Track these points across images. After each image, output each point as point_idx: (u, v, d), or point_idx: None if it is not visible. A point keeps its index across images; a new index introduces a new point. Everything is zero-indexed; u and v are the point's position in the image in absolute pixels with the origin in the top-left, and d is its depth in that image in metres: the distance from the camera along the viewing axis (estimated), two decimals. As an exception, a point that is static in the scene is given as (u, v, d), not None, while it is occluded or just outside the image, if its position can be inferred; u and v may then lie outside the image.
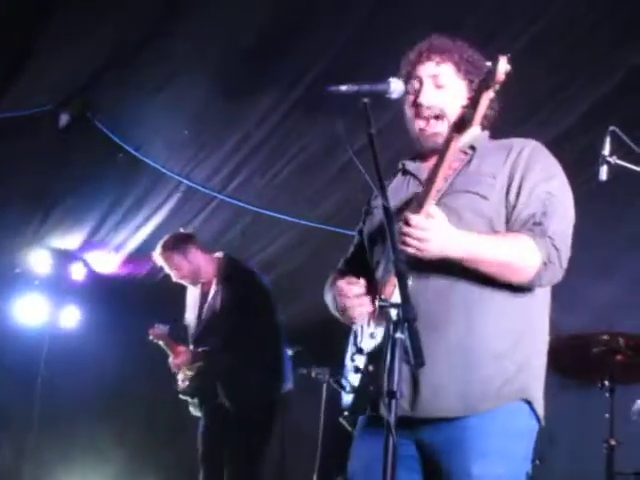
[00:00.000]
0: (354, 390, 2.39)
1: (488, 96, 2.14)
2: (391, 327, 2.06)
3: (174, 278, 5.16)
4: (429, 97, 2.51)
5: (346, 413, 2.43)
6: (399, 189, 2.60)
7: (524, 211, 2.35)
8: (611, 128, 3.47)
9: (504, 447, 2.28)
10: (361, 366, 2.34)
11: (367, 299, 2.40)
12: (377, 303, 2.14)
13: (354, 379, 2.38)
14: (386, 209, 2.19)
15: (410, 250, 2.17)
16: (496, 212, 2.37)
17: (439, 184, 2.26)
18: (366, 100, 2.30)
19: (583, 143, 4.61)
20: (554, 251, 2.28)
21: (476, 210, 2.36)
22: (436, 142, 2.48)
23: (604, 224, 4.90)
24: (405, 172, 2.64)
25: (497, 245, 2.28)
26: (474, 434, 2.26)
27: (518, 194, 2.37)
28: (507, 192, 2.38)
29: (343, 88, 2.32)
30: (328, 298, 2.69)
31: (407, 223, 2.17)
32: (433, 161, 2.52)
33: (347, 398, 2.43)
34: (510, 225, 2.36)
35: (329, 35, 4.30)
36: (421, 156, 2.63)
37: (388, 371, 2.05)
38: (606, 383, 4.01)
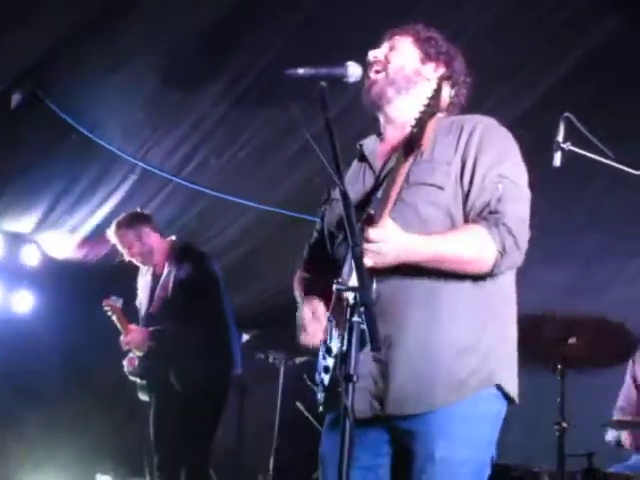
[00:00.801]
0: (325, 389, 2.40)
1: (433, 121, 2.16)
2: (348, 311, 2.07)
3: (125, 256, 5.19)
4: (377, 52, 2.59)
5: (320, 409, 2.44)
6: (355, 178, 2.60)
7: (478, 200, 2.35)
8: (565, 114, 3.49)
9: (468, 431, 2.30)
10: (330, 366, 2.35)
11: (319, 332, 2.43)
12: (334, 287, 2.13)
13: (325, 378, 2.39)
14: (344, 194, 2.18)
15: (369, 263, 2.15)
16: (453, 200, 2.37)
17: (395, 194, 2.22)
18: (323, 84, 2.30)
19: (539, 128, 4.63)
20: (510, 238, 2.28)
21: (433, 202, 2.37)
22: (373, 94, 2.55)
23: (559, 207, 4.96)
24: (362, 157, 2.64)
25: (450, 244, 2.28)
26: (440, 420, 2.29)
27: (471, 181, 2.37)
28: (461, 178, 2.39)
29: (300, 71, 2.32)
30: (296, 293, 2.72)
31: (366, 238, 2.15)
32: (389, 143, 2.56)
33: (319, 395, 2.44)
34: (466, 213, 2.37)
35: (284, 17, 4.27)
36: (379, 134, 2.65)
37: (344, 355, 2.04)
38: (558, 366, 4.05)
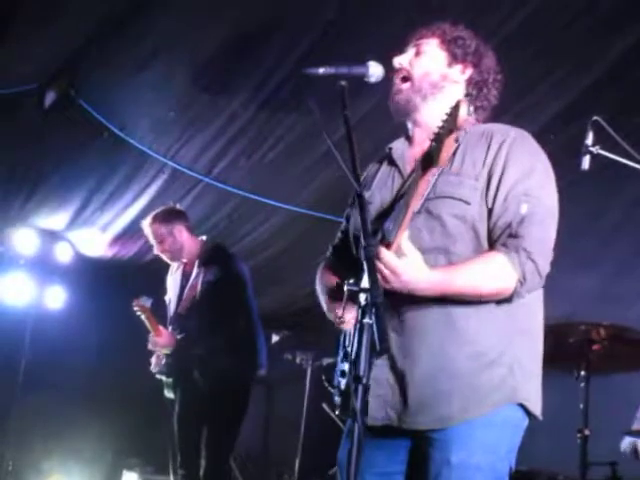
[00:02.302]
0: (341, 393, 2.39)
1: (452, 139, 2.13)
2: (359, 312, 2.05)
3: (155, 250, 5.23)
4: (402, 58, 2.55)
5: (337, 412, 2.43)
6: (385, 181, 2.58)
7: (501, 219, 2.32)
8: (594, 118, 3.45)
9: (486, 438, 2.27)
10: (347, 371, 2.35)
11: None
12: (345, 287, 2.12)
13: (342, 382, 2.39)
14: (358, 195, 2.17)
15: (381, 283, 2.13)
16: (479, 215, 2.34)
17: (411, 211, 2.20)
18: (343, 83, 2.30)
19: (569, 132, 4.59)
20: (530, 265, 2.25)
21: (459, 216, 2.33)
22: (399, 103, 2.52)
23: (589, 213, 4.90)
24: (391, 161, 2.60)
25: (468, 277, 2.26)
26: (459, 429, 2.27)
27: (495, 197, 2.34)
28: (486, 193, 2.35)
29: (321, 70, 2.32)
30: (318, 289, 2.70)
31: (378, 257, 2.14)
32: (417, 148, 2.53)
33: (336, 398, 2.43)
34: (489, 229, 2.34)
35: (313, 18, 4.27)
36: (407, 136, 2.62)
37: (355, 357, 2.03)
38: (582, 373, 4.01)
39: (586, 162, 3.43)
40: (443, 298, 2.27)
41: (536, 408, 2.37)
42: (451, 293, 2.26)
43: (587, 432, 3.91)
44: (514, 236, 2.28)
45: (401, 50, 2.60)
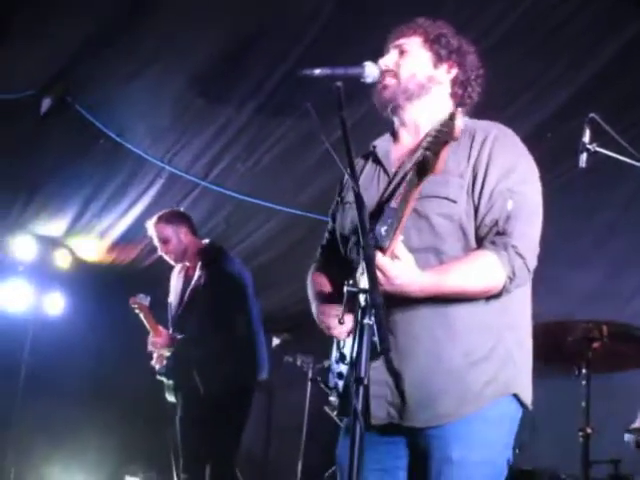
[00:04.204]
0: (339, 395, 2.40)
1: (447, 148, 2.10)
2: (359, 313, 2.06)
3: (159, 251, 5.25)
4: (387, 59, 2.53)
5: (335, 413, 2.45)
6: (370, 181, 2.57)
7: (487, 216, 2.34)
8: (590, 115, 3.45)
9: (485, 434, 2.30)
10: (344, 373, 2.36)
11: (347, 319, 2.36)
12: (345, 289, 2.12)
13: (339, 384, 2.39)
14: (357, 196, 2.17)
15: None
16: (465, 213, 2.35)
17: (406, 218, 2.19)
18: (339, 84, 2.29)
19: (565, 131, 4.59)
20: (519, 260, 2.28)
21: (446, 215, 2.35)
22: (384, 99, 2.52)
23: (585, 211, 4.90)
24: (375, 159, 2.60)
25: (459, 278, 2.28)
26: (456, 426, 2.29)
27: (480, 195, 2.35)
28: (472, 191, 2.36)
29: (317, 71, 2.31)
30: (309, 294, 2.70)
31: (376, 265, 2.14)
32: (403, 147, 2.54)
33: (333, 400, 2.44)
34: (476, 226, 2.36)
35: (306, 21, 4.27)
36: (392, 132, 2.62)
37: (356, 357, 2.03)
38: (583, 371, 4.00)
39: (583, 160, 3.44)
40: (435, 298, 2.29)
41: (528, 399, 2.40)
42: (442, 294, 2.28)
43: (589, 430, 3.89)
44: (502, 233, 2.31)
45: (384, 50, 2.59)
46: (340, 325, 2.35)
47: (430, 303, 2.30)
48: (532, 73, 4.48)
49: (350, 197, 2.55)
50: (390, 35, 2.61)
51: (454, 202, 2.34)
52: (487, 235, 2.33)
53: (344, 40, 4.13)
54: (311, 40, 4.35)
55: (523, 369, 2.41)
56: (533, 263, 2.33)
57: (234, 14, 4.30)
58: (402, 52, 2.55)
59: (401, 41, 2.57)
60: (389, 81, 2.51)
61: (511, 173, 2.36)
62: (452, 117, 2.08)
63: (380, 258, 2.12)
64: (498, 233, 2.31)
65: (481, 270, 2.29)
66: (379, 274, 2.12)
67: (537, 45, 4.26)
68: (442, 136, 2.09)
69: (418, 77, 2.52)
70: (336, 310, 2.40)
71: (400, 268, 2.16)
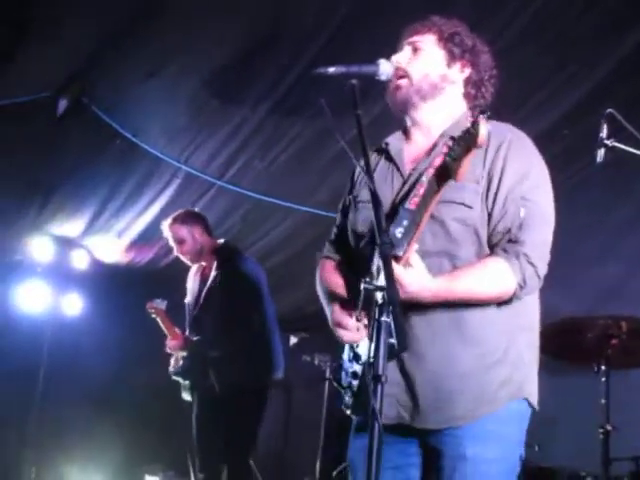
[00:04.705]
0: (353, 394, 2.40)
1: (470, 156, 2.10)
2: (376, 311, 2.05)
3: (175, 252, 5.26)
4: (400, 56, 2.51)
5: (347, 412, 2.44)
6: (384, 179, 2.55)
7: (500, 223, 2.35)
8: (608, 110, 3.43)
9: (498, 432, 2.31)
10: (359, 372, 2.36)
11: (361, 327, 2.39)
12: (362, 286, 2.12)
13: (354, 383, 2.40)
14: (373, 194, 2.17)
15: None
16: (480, 219, 2.36)
17: (423, 226, 2.22)
18: (354, 82, 2.29)
19: (583, 127, 4.56)
20: (530, 269, 2.30)
21: (461, 220, 2.35)
22: (397, 100, 2.51)
23: (602, 207, 4.86)
24: (388, 157, 2.59)
25: (470, 285, 2.30)
26: (470, 425, 2.30)
27: (494, 201, 2.36)
28: (486, 197, 2.37)
29: (331, 70, 2.31)
30: (319, 291, 2.70)
31: None
32: (416, 147, 2.54)
33: (347, 398, 2.44)
34: (489, 233, 2.37)
35: (323, 19, 4.26)
36: (405, 130, 2.61)
37: (374, 355, 2.03)
38: (602, 368, 3.99)
39: (600, 155, 3.42)
40: (447, 303, 2.31)
41: (535, 400, 2.42)
42: (453, 299, 2.30)
43: (609, 427, 3.89)
44: (514, 241, 2.32)
45: (397, 46, 2.57)
46: (354, 332, 2.38)
47: (442, 307, 2.31)
48: (546, 71, 4.46)
49: (363, 196, 2.54)
50: (404, 32, 2.59)
51: (470, 208, 2.35)
52: (500, 242, 2.35)
53: (358, 39, 4.12)
54: (326, 39, 4.34)
55: (532, 370, 2.44)
56: (544, 271, 2.34)
57: (249, 14, 4.30)
58: (415, 49, 2.53)
59: (415, 38, 2.55)
60: (402, 82, 2.49)
61: (525, 179, 2.37)
62: (475, 124, 2.06)
63: (394, 267, 2.12)
64: (510, 241, 2.33)
65: (492, 277, 2.31)
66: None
67: (552, 43, 4.23)
68: (465, 143, 2.08)
69: (431, 76, 2.50)
70: (351, 318, 2.42)
71: (413, 276, 2.19)
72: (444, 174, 2.14)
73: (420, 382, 2.32)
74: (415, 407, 2.32)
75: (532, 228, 2.33)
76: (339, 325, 2.47)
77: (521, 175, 2.37)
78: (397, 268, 2.13)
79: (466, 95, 2.55)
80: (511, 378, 2.34)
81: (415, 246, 2.18)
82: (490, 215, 2.36)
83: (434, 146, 2.47)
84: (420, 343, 2.32)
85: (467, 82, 2.55)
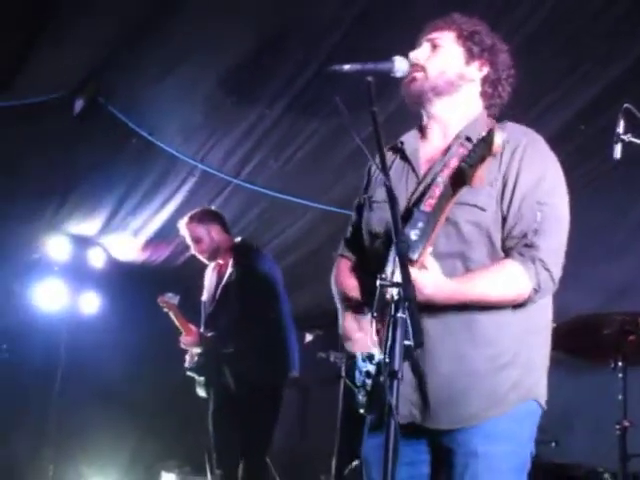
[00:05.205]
0: (367, 393, 2.39)
1: (486, 164, 2.12)
2: (392, 307, 2.06)
3: (192, 250, 5.28)
4: (418, 53, 2.50)
5: (361, 411, 2.42)
6: (398, 179, 2.53)
7: (515, 227, 2.35)
8: (625, 106, 3.42)
9: (508, 431, 2.32)
10: (372, 372, 2.36)
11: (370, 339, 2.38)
12: (378, 283, 2.12)
13: (368, 382, 2.39)
14: (390, 192, 2.18)
15: None
16: (494, 222, 2.36)
17: (438, 229, 2.23)
18: (370, 79, 2.29)
19: (600, 123, 4.54)
20: (545, 274, 2.30)
21: (474, 222, 2.35)
22: (412, 92, 2.50)
23: (618, 204, 4.84)
24: (403, 156, 2.58)
25: (484, 287, 2.30)
26: (481, 423, 2.31)
27: (510, 205, 2.35)
28: (501, 200, 2.36)
29: (346, 67, 2.31)
30: (334, 292, 2.71)
31: None
32: (432, 145, 2.53)
33: (360, 397, 2.43)
34: (503, 237, 2.36)
35: (339, 12, 4.26)
36: (420, 127, 2.60)
37: (389, 351, 2.04)
38: (619, 364, 3.98)
39: (618, 151, 3.40)
40: (462, 307, 2.31)
41: (544, 401, 2.42)
42: (467, 302, 2.30)
43: (626, 424, 3.87)
44: (530, 246, 2.32)
45: (416, 43, 2.56)
46: (363, 344, 2.39)
47: (455, 308, 2.31)
48: (560, 70, 4.44)
49: (379, 196, 2.54)
50: (424, 29, 2.58)
51: (483, 210, 2.34)
52: (515, 246, 2.34)
53: (373, 36, 4.11)
54: (340, 37, 4.34)
55: (542, 373, 2.44)
56: (558, 275, 2.35)
57: (264, 11, 4.31)
58: (434, 46, 2.52)
59: (434, 35, 2.54)
60: (417, 75, 2.47)
61: (540, 183, 2.36)
62: (492, 134, 2.08)
63: (410, 270, 2.12)
64: (526, 245, 2.32)
65: (507, 281, 2.31)
66: None
67: (568, 40, 4.22)
68: (481, 151, 2.11)
69: (448, 74, 2.49)
70: (359, 332, 2.46)
71: (428, 279, 2.20)
72: (459, 180, 2.16)
73: (431, 382, 2.33)
74: (426, 407, 2.33)
75: (548, 233, 2.33)
76: (348, 339, 2.51)
77: (537, 179, 2.36)
78: (413, 271, 2.13)
79: (483, 94, 2.54)
80: (521, 381, 2.34)
81: (430, 249, 2.19)
82: (505, 219, 2.36)
83: (449, 147, 2.47)
84: (432, 343, 2.31)
85: (485, 81, 2.53)
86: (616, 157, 3.41)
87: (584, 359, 4.28)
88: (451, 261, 2.33)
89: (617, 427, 3.87)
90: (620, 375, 3.94)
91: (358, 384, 2.43)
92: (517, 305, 2.35)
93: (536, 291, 2.31)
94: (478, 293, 2.29)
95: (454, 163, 2.33)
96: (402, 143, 2.60)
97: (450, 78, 2.49)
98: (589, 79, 4.48)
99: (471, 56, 2.50)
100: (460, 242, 2.35)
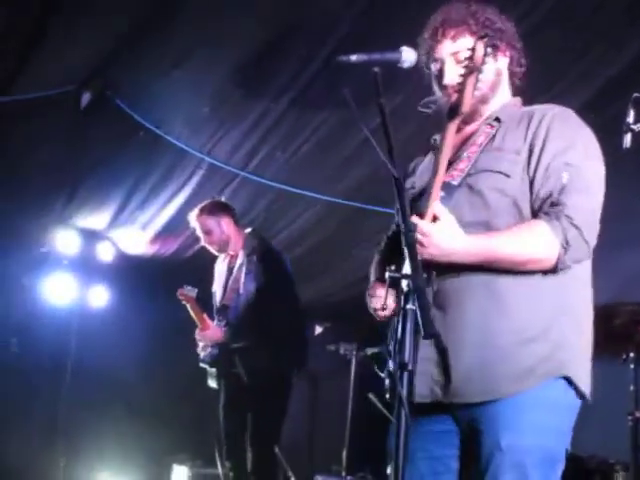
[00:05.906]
0: (390, 375, 2.36)
1: (472, 81, 2.18)
2: (402, 299, 2.05)
3: (202, 242, 5.32)
4: (452, 76, 2.45)
5: (387, 396, 2.41)
6: (427, 167, 2.57)
7: (542, 189, 2.30)
8: (635, 95, 3.39)
9: (535, 419, 2.25)
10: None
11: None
12: (387, 274, 2.11)
13: (391, 365, 2.35)
14: (396, 180, 2.16)
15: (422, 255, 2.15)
16: (520, 189, 2.33)
17: (442, 173, 2.25)
18: (377, 69, 2.27)
19: (610, 111, 4.51)
20: (573, 231, 2.22)
21: (500, 189, 2.33)
22: (464, 113, 2.43)
23: (631, 191, 4.81)
24: (434, 149, 2.57)
25: (509, 245, 2.25)
26: (507, 408, 2.25)
27: (536, 168, 2.32)
28: (528, 166, 2.34)
29: (353, 58, 2.29)
30: (372, 279, 2.72)
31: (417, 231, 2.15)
32: (463, 135, 2.52)
33: (387, 382, 2.42)
34: (532, 203, 2.33)
35: (345, 4, 4.24)
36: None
37: (399, 344, 2.03)
38: (630, 355, 3.96)
39: (627, 140, 3.38)
40: (485, 270, 2.26)
41: (586, 387, 2.34)
42: (490, 259, 2.24)
43: (638, 415, 3.86)
44: (555, 204, 2.27)
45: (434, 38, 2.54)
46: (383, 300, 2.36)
47: (479, 276, 2.27)
48: (573, 55, 4.41)
49: (409, 183, 2.59)
50: (428, 36, 2.56)
51: (507, 176, 2.32)
52: (541, 207, 2.29)
53: (380, 28, 4.09)
54: (347, 29, 4.32)
55: (581, 356, 2.36)
56: (592, 237, 2.27)
57: (270, 4, 4.30)
58: (459, 61, 2.44)
59: (452, 49, 2.48)
60: (459, 95, 2.35)
61: (569, 149, 2.33)
62: (473, 48, 2.19)
63: (419, 222, 2.14)
64: (552, 204, 2.27)
65: (532, 237, 2.25)
66: (421, 239, 2.14)
67: (576, 28, 4.19)
68: (466, 71, 2.20)
69: (487, 81, 2.48)
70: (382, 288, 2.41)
71: (443, 229, 2.17)
72: (453, 110, 2.22)
73: (453, 355, 2.28)
74: (448, 382, 2.29)
75: (575, 192, 2.27)
76: (371, 295, 2.51)
77: (566, 144, 2.33)
78: (422, 223, 2.13)
79: (511, 74, 2.57)
80: (552, 355, 2.26)
81: (437, 200, 2.20)
82: (532, 183, 2.32)
83: (478, 128, 2.48)
84: (455, 313, 2.29)
85: (510, 62, 2.56)
86: (626, 146, 3.39)
87: (595, 350, 4.26)
88: (475, 230, 2.29)
89: (629, 418, 3.86)
90: (632, 366, 3.92)
91: (386, 370, 2.42)
92: (547, 272, 2.27)
93: (565, 249, 2.22)
94: (498, 249, 2.24)
95: (481, 140, 2.34)
96: (435, 140, 2.60)
97: (490, 82, 2.50)
98: (599, 68, 4.44)
99: (497, 49, 2.49)
100: (485, 210, 2.32)
